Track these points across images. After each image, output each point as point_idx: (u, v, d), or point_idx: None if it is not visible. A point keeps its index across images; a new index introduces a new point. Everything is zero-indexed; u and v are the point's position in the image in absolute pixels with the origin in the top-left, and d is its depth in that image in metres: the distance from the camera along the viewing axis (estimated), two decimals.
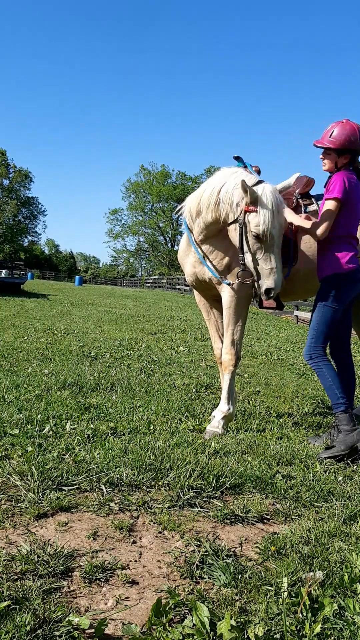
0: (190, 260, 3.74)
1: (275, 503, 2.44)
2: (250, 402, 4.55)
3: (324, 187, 3.30)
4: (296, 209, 3.67)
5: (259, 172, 3.60)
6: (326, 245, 3.27)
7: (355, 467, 2.97)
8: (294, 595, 1.65)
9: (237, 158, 3.63)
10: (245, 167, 3.57)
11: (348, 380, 3.44)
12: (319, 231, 3.17)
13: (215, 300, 3.91)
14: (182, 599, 1.64)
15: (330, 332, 3.31)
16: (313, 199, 3.75)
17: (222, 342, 3.81)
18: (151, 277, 50.06)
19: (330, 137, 3.20)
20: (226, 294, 3.50)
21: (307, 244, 3.64)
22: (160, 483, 2.51)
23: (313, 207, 3.70)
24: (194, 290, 4.00)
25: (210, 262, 3.55)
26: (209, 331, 4.08)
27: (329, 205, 3.16)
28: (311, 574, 1.77)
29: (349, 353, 3.54)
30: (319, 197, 3.80)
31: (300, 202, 3.71)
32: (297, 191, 3.75)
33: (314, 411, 4.39)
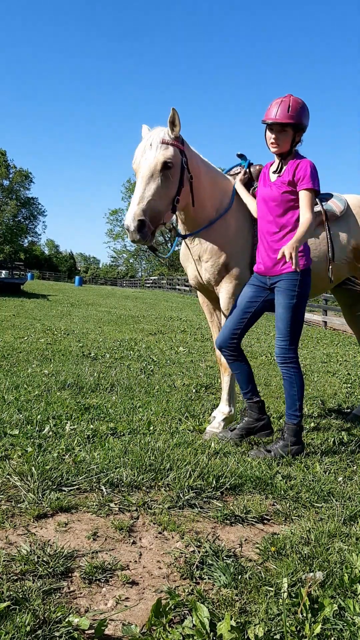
0: (192, 262, 3.73)
1: (275, 503, 2.44)
2: None
3: (277, 171, 3.09)
4: None
5: None
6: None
7: (355, 467, 2.97)
8: (294, 595, 1.65)
9: (241, 156, 3.62)
10: (251, 164, 3.56)
11: (248, 375, 3.34)
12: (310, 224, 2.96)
13: (218, 302, 3.89)
14: (182, 599, 1.64)
15: (301, 330, 3.15)
16: (317, 199, 3.69)
17: None
18: (151, 278, 50.07)
19: (288, 111, 2.95)
20: (224, 295, 3.48)
21: (312, 246, 3.58)
22: (160, 483, 2.51)
23: (317, 208, 3.62)
24: (198, 292, 3.98)
25: (206, 262, 3.47)
26: (210, 332, 4.06)
27: (310, 198, 2.99)
28: (311, 574, 1.77)
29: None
30: (323, 197, 3.77)
31: None
32: None
33: (313, 411, 4.39)
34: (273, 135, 3.01)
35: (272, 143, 3.04)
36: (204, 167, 3.37)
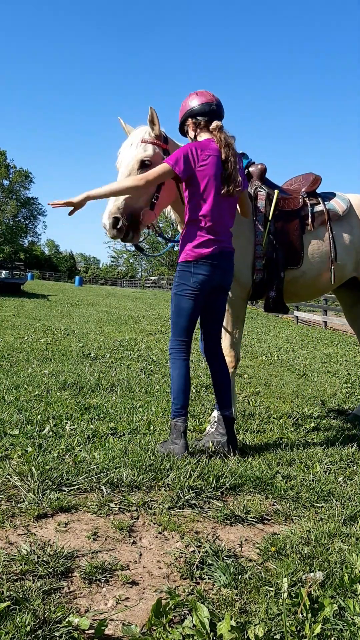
0: None
1: (275, 503, 2.44)
2: (250, 402, 4.55)
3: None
4: (302, 209, 3.60)
5: (264, 170, 3.55)
6: (183, 229, 3.07)
7: (355, 467, 2.97)
8: (294, 595, 1.65)
9: (242, 154, 3.61)
10: (252, 163, 3.55)
11: (218, 387, 3.11)
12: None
13: None
14: (182, 599, 1.64)
15: (183, 322, 2.99)
16: (320, 198, 3.67)
17: None
18: (151, 278, 50.07)
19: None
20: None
21: (315, 246, 3.58)
22: (160, 483, 2.51)
23: (320, 207, 3.63)
24: None
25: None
26: None
27: (160, 168, 2.86)
28: (311, 574, 1.77)
29: (220, 359, 3.15)
30: (325, 196, 3.76)
31: (307, 201, 3.62)
32: (303, 189, 3.66)
33: (314, 412, 4.39)
34: None
35: None
36: None
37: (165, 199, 3.21)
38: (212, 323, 3.14)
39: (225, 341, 3.51)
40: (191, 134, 3.09)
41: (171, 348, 3.06)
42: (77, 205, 2.84)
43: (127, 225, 2.99)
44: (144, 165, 3.03)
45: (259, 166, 3.53)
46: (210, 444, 3.04)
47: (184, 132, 3.20)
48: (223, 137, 2.93)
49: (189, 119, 3.06)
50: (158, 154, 3.08)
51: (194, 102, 3.03)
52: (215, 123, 2.97)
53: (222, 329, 3.55)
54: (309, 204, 3.61)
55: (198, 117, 3.02)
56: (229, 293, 3.43)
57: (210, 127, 2.98)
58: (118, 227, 2.95)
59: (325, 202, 3.66)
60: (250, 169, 3.53)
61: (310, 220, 3.57)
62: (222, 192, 2.89)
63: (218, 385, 3.11)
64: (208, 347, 3.14)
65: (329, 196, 3.75)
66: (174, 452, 2.84)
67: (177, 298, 2.99)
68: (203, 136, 3.02)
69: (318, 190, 3.72)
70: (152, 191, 3.05)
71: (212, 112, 3.01)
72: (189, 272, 2.93)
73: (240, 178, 2.94)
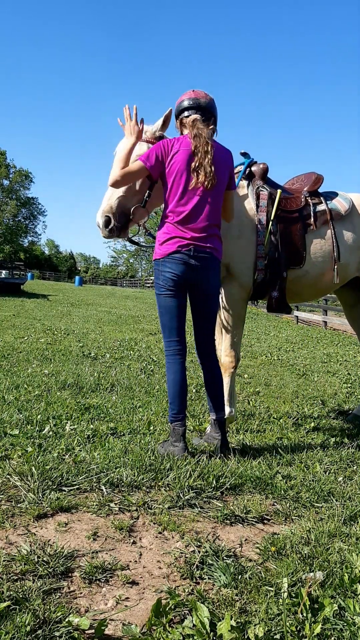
0: None
1: (275, 503, 2.44)
2: (250, 402, 4.55)
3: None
4: (304, 208, 3.59)
5: (266, 170, 3.54)
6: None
7: (355, 467, 2.97)
8: (294, 595, 1.65)
9: (244, 154, 3.61)
10: (254, 163, 3.55)
11: (209, 388, 3.06)
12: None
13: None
14: (182, 599, 1.64)
15: (166, 322, 2.96)
16: (322, 198, 3.66)
17: None
18: (151, 278, 50.05)
19: None
20: (224, 297, 3.48)
21: (317, 246, 3.57)
22: (160, 483, 2.51)
23: (322, 207, 3.61)
24: None
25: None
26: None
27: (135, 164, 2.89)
28: (311, 574, 1.77)
29: (212, 358, 3.09)
30: (328, 195, 3.75)
31: (309, 200, 3.61)
32: (305, 189, 3.65)
33: (314, 412, 4.39)
34: None
35: None
36: None
37: (159, 198, 3.21)
38: (200, 322, 3.04)
39: (226, 341, 3.51)
40: (179, 131, 3.09)
41: (165, 350, 3.04)
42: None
43: (119, 226, 3.03)
44: None
45: (261, 165, 3.52)
46: (206, 444, 3.06)
47: (178, 130, 3.19)
48: (195, 129, 2.87)
49: (178, 117, 3.05)
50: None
51: (184, 102, 3.02)
52: (190, 117, 2.93)
53: (223, 329, 3.56)
54: (311, 204, 3.60)
55: (184, 113, 3.00)
56: (229, 293, 3.43)
57: (185, 120, 2.96)
58: (109, 227, 3.00)
59: (328, 202, 3.65)
60: (253, 169, 3.53)
61: (312, 219, 3.56)
62: (191, 184, 2.82)
63: (209, 387, 3.06)
64: (198, 347, 3.10)
65: (331, 196, 3.74)
66: (174, 453, 2.83)
67: (156, 297, 3.00)
68: (184, 132, 2.99)
69: (320, 190, 3.72)
70: (145, 190, 3.07)
71: (192, 107, 2.97)
72: (159, 270, 2.91)
73: (210, 169, 2.81)
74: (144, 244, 3.69)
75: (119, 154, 2.96)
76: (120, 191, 3.03)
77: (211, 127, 2.94)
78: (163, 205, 2.99)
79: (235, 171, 3.59)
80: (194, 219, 2.85)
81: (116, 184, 2.93)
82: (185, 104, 3.00)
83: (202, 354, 3.09)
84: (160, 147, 2.86)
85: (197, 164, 2.82)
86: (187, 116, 2.97)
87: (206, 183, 2.82)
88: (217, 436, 3.01)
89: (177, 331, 2.97)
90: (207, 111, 2.99)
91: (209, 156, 2.82)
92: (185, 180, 2.84)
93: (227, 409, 3.54)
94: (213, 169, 2.82)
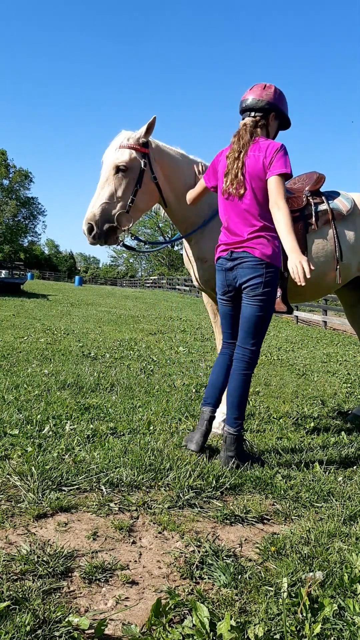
0: (193, 263, 3.72)
1: (275, 503, 2.44)
2: (250, 402, 4.55)
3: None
4: (306, 208, 3.58)
5: None
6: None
7: (355, 467, 2.97)
8: (293, 595, 1.65)
9: None
10: None
11: (229, 390, 2.99)
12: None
13: None
14: (182, 599, 1.64)
15: (221, 324, 3.11)
16: (323, 197, 3.65)
17: None
18: (151, 278, 50.10)
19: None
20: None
21: (319, 246, 3.57)
22: (160, 483, 2.51)
23: (324, 206, 3.60)
24: (203, 293, 3.98)
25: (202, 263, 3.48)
26: (214, 333, 4.06)
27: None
28: (311, 574, 1.77)
29: (232, 352, 3.06)
30: (329, 195, 3.74)
31: (311, 200, 3.61)
32: (306, 188, 3.64)
33: (314, 412, 4.39)
34: None
35: None
36: (186, 167, 3.39)
37: (145, 203, 3.27)
38: (239, 325, 2.96)
39: None
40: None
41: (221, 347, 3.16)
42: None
43: (101, 233, 3.06)
44: (119, 170, 3.09)
45: None
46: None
47: None
48: (235, 136, 2.88)
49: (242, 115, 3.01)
50: (134, 159, 3.13)
51: (247, 97, 2.97)
52: (240, 123, 2.96)
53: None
54: (312, 203, 3.59)
55: (241, 116, 3.01)
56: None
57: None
58: (93, 234, 3.04)
59: (329, 202, 3.64)
60: None
61: (314, 219, 3.56)
62: (223, 190, 2.89)
63: (227, 389, 3.00)
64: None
65: (332, 195, 3.74)
66: (189, 437, 2.97)
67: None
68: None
69: (322, 189, 3.71)
70: (129, 196, 3.12)
71: (242, 110, 2.98)
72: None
73: (236, 175, 2.77)
74: (137, 248, 3.70)
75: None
76: (104, 198, 3.06)
77: (261, 122, 2.91)
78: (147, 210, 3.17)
79: None
80: (231, 224, 2.88)
81: (191, 204, 3.26)
82: (240, 106, 3.02)
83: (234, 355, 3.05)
84: (214, 160, 3.02)
85: (226, 170, 2.88)
86: (242, 119, 3.00)
87: (232, 190, 2.82)
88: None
89: (226, 333, 3.09)
90: (259, 109, 2.93)
91: (239, 163, 2.80)
92: (221, 187, 2.93)
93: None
94: (240, 174, 2.78)
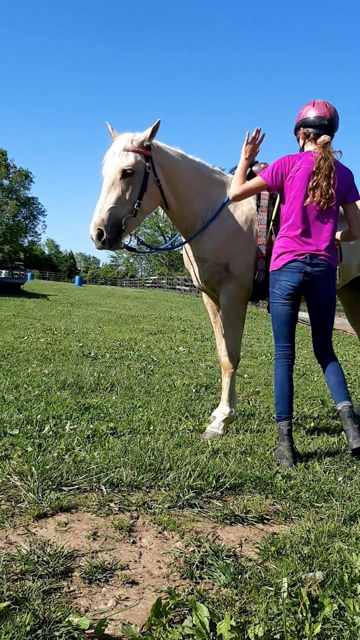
0: (193, 263, 3.72)
1: (275, 503, 2.44)
2: (250, 402, 4.55)
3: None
4: None
5: None
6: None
7: (355, 467, 2.97)
8: (293, 595, 1.65)
9: None
10: (256, 163, 3.55)
11: (332, 381, 3.14)
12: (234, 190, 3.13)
13: None
14: (182, 599, 1.64)
15: (277, 328, 3.18)
16: None
17: None
18: (151, 278, 50.14)
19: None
20: (224, 297, 3.47)
21: None
22: (160, 483, 2.51)
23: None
24: (203, 293, 3.98)
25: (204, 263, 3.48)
26: (214, 333, 4.06)
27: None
28: (311, 574, 1.77)
29: (327, 353, 3.23)
30: None
31: None
32: None
33: (313, 412, 4.39)
34: None
35: None
36: (185, 168, 3.38)
37: (150, 206, 3.27)
38: (315, 327, 3.23)
39: (226, 342, 3.51)
40: (300, 142, 3.20)
41: (274, 354, 3.22)
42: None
43: (111, 239, 3.04)
44: (125, 174, 3.07)
45: (262, 165, 3.53)
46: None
47: (297, 137, 3.26)
48: (324, 152, 2.99)
49: (301, 128, 3.14)
50: (139, 162, 3.12)
51: (310, 113, 3.09)
52: (322, 137, 3.03)
53: (223, 329, 3.56)
54: None
55: (309, 129, 3.09)
56: (229, 293, 3.43)
57: (318, 141, 3.04)
58: (102, 239, 3.01)
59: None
60: (254, 169, 3.53)
61: None
62: (306, 202, 2.98)
63: (329, 383, 3.15)
64: (314, 348, 3.28)
65: None
66: (280, 452, 2.99)
67: (270, 306, 3.21)
68: (308, 147, 3.11)
69: None
70: (135, 199, 3.11)
71: (322, 126, 3.07)
72: (275, 280, 3.12)
73: (328, 191, 2.94)
74: (138, 249, 3.69)
75: (237, 171, 3.17)
76: (111, 202, 3.03)
77: (337, 151, 3.07)
78: (150, 211, 3.21)
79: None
80: (309, 234, 3.03)
81: (236, 198, 3.18)
82: (310, 120, 3.07)
83: (318, 355, 3.26)
84: (281, 164, 3.05)
85: (314, 184, 2.96)
86: (316, 133, 3.07)
87: (322, 203, 2.97)
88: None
89: (285, 337, 3.17)
90: (333, 128, 3.10)
91: (330, 180, 2.96)
92: (303, 197, 2.99)
93: (227, 409, 3.54)
94: (332, 191, 2.96)
